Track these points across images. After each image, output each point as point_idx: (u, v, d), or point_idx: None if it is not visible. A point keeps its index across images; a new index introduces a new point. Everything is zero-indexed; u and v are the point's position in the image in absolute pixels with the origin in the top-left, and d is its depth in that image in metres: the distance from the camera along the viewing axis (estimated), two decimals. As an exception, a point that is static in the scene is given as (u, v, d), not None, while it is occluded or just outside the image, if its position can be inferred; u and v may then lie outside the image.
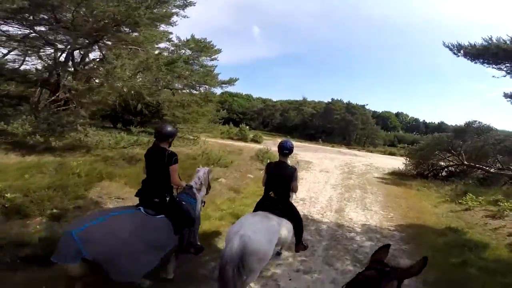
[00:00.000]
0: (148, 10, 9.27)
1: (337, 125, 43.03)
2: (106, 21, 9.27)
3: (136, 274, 2.62)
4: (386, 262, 1.40)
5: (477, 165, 11.34)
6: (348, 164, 15.52)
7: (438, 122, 60.74)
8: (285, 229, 3.20)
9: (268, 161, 4.22)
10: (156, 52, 11.47)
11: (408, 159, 13.66)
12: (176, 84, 18.88)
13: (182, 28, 16.70)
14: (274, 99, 57.03)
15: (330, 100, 46.38)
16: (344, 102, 45.00)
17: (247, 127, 29.75)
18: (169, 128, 3.12)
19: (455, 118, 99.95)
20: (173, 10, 11.14)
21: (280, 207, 3.30)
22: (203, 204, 3.79)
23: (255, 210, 3.41)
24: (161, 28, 11.80)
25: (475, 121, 11.86)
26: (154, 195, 3.00)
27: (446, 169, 12.65)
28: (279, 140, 4.33)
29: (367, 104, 45.96)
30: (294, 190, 3.52)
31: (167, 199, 3.04)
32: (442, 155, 12.32)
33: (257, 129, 39.71)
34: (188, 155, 9.79)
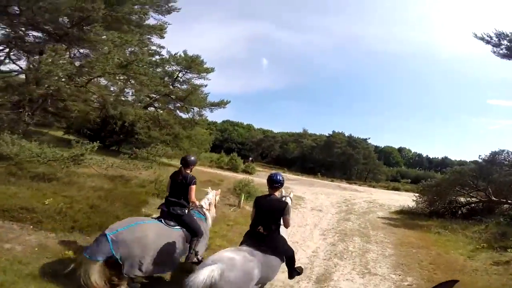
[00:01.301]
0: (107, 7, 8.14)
1: (337, 159, 41.02)
2: (61, 18, 8.41)
3: (154, 271, 3.25)
4: None
5: (508, 201, 9.24)
6: (347, 201, 13.33)
7: (442, 157, 59.45)
8: (269, 268, 3.04)
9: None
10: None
11: (419, 195, 11.70)
12: (172, 105, 17.70)
13: (193, 52, 16.60)
14: (275, 131, 55.77)
15: (331, 133, 44.77)
16: (346, 135, 43.37)
17: (250, 158, 27.69)
18: (192, 158, 4.03)
19: (459, 152, 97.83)
20: (155, 15, 11.49)
21: (268, 244, 3.14)
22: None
23: (241, 243, 3.30)
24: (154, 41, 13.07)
25: (502, 150, 10.03)
26: (176, 208, 3.76)
27: (467, 206, 10.62)
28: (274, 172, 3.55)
29: (369, 138, 44.35)
30: (286, 225, 3.34)
31: (186, 211, 3.82)
32: (464, 190, 10.43)
33: (255, 161, 37.73)
34: (140, 179, 7.69)
